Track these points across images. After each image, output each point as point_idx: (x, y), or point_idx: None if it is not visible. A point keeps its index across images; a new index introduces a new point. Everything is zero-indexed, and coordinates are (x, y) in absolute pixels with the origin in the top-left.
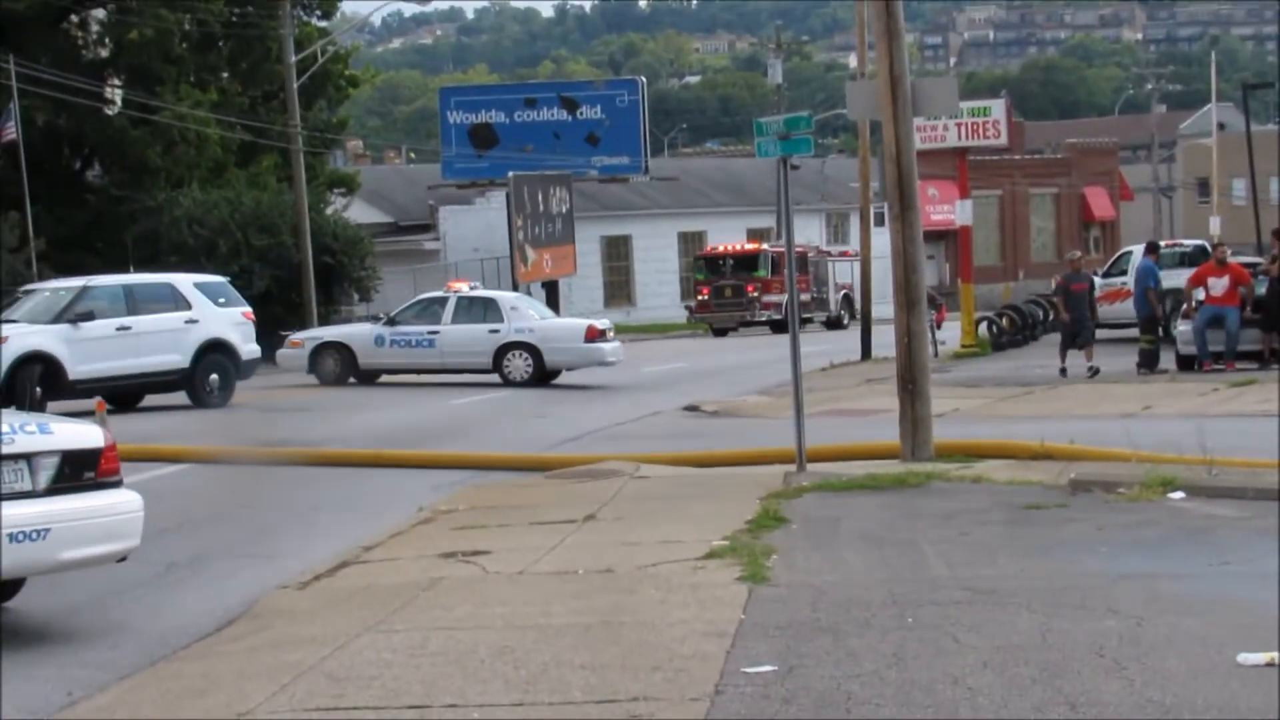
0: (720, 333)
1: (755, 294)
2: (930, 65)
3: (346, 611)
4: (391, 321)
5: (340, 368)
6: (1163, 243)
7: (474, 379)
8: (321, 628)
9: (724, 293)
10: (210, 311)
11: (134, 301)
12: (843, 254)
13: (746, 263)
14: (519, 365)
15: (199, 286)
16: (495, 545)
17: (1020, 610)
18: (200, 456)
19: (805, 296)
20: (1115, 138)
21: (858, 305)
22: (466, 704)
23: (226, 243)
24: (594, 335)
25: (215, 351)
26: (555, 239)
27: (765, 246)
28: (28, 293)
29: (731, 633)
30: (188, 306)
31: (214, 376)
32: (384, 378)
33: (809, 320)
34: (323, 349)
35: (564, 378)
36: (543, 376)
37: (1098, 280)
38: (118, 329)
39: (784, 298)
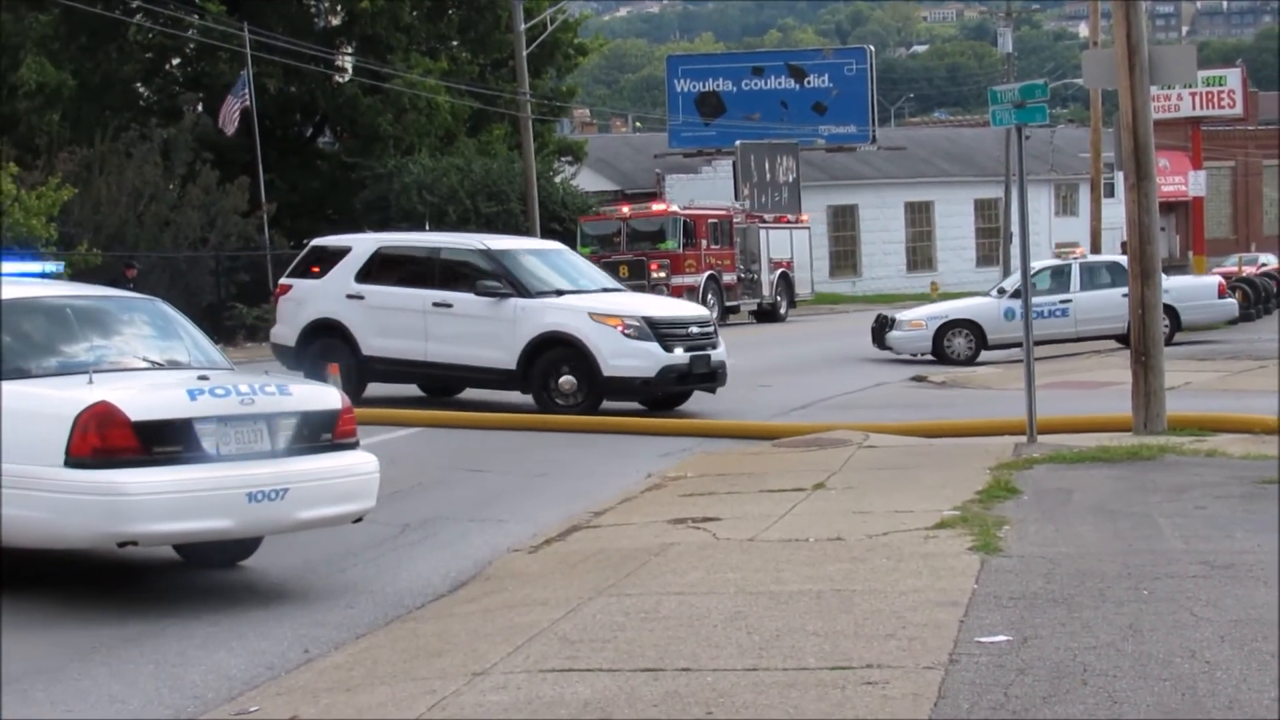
0: None
1: (662, 274)
2: (1161, 34)
3: (578, 575)
4: (1017, 294)
5: (972, 345)
6: None
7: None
8: (553, 591)
9: (618, 272)
10: None
11: None
12: (779, 220)
13: (650, 231)
14: None
15: None
16: (725, 512)
17: (1258, 585)
18: (432, 421)
19: (730, 277)
20: None
21: (798, 288)
22: (700, 668)
23: (455, 209)
24: (1224, 291)
25: None
26: (781, 208)
27: (675, 208)
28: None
29: (964, 602)
30: None
31: None
32: None
33: (733, 310)
34: (949, 327)
35: None
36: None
37: None
38: None
39: (702, 278)
